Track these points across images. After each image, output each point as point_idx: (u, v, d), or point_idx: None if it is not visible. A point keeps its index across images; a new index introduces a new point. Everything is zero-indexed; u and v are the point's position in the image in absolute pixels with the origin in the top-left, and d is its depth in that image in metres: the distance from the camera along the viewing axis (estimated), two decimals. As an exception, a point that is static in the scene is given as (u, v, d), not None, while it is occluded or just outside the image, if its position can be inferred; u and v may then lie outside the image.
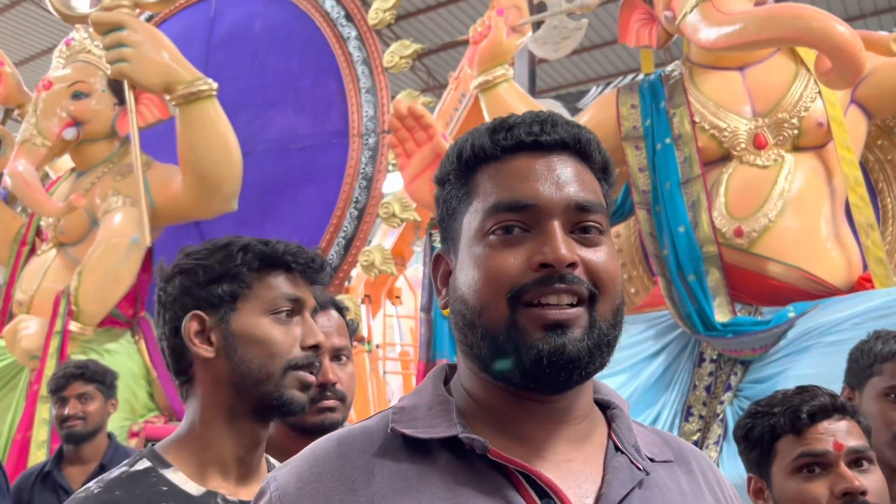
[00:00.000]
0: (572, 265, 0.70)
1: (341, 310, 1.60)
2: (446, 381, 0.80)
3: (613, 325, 0.73)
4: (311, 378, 1.15)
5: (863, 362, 1.58)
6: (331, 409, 1.49)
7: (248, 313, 1.12)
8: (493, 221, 0.73)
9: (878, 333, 1.59)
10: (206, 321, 1.11)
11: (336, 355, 1.55)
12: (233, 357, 1.11)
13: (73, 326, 2.89)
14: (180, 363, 1.13)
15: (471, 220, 0.75)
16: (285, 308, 1.14)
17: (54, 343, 2.83)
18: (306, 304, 1.18)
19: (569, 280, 0.70)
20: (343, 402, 1.52)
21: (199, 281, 1.12)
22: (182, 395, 1.14)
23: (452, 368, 0.81)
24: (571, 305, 0.70)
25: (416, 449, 0.71)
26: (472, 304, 0.72)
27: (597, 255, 0.73)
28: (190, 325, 1.11)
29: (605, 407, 0.79)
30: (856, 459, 1.23)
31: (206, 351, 1.10)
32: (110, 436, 2.45)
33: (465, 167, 0.77)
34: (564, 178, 0.74)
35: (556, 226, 0.72)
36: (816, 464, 1.23)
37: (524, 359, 0.69)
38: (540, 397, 0.73)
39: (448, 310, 0.78)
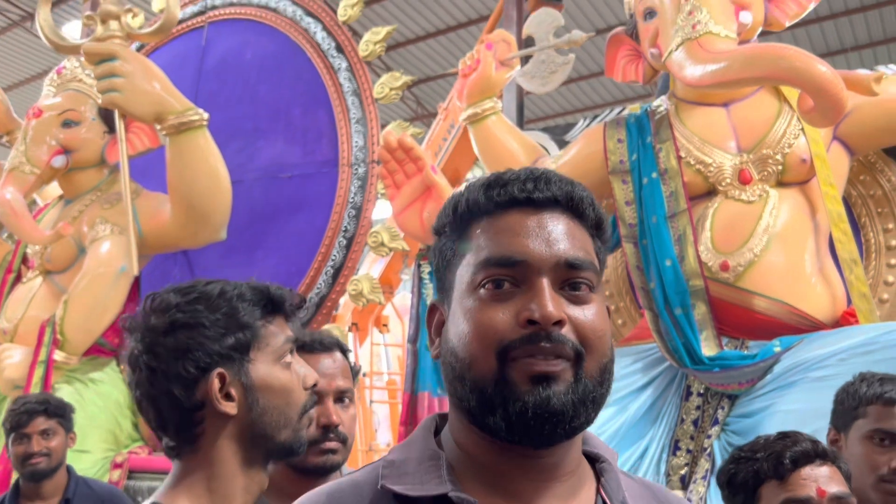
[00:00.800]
0: (559, 323, 0.71)
1: (345, 352, 1.62)
2: (438, 431, 0.80)
3: (600, 383, 0.73)
4: (314, 415, 1.18)
5: (848, 404, 1.59)
6: (333, 451, 1.50)
7: (262, 363, 1.11)
8: (483, 275, 0.74)
9: (864, 376, 1.61)
10: (227, 377, 1.08)
11: (339, 397, 1.57)
12: (255, 409, 1.09)
13: (58, 356, 2.86)
14: (185, 422, 1.08)
15: (463, 273, 0.76)
16: (289, 352, 1.15)
17: (38, 372, 2.80)
18: (295, 341, 1.18)
19: (554, 339, 0.71)
20: (344, 445, 1.53)
21: (208, 335, 1.07)
22: (174, 452, 1.09)
23: (444, 418, 0.81)
24: (556, 359, 0.71)
25: None
26: (462, 357, 0.73)
27: (585, 314, 0.73)
28: (213, 384, 1.07)
29: (593, 459, 0.79)
30: None
31: (230, 408, 1.08)
32: (69, 469, 2.43)
33: (460, 220, 0.79)
34: (555, 236, 0.75)
35: (545, 283, 0.72)
36: None
37: (510, 411, 0.70)
38: (529, 452, 0.73)
39: (434, 353, 0.80)
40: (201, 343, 1.07)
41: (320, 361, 1.56)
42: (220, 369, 1.06)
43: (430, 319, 0.82)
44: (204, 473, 1.07)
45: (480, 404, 0.71)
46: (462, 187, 0.82)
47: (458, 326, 0.74)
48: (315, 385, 1.17)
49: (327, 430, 1.51)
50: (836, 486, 1.26)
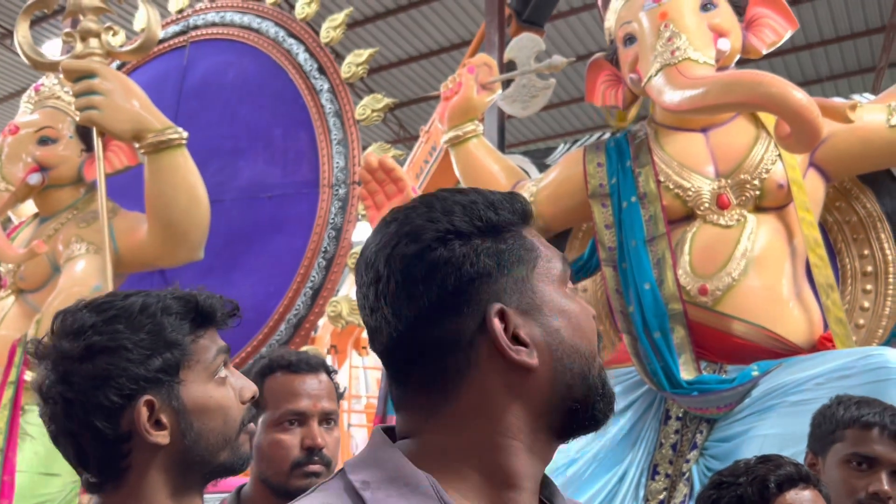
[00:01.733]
0: None
1: (331, 373, 1.59)
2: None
3: None
4: (253, 427, 1.10)
5: (825, 428, 1.60)
6: (316, 475, 1.47)
7: (194, 383, 1.00)
8: (564, 270, 0.81)
9: (840, 399, 1.61)
10: (156, 404, 0.96)
11: (325, 419, 1.54)
12: (189, 435, 0.98)
13: (29, 376, 2.80)
14: (109, 456, 0.97)
15: (544, 268, 0.80)
16: (222, 364, 1.04)
17: (8, 393, 2.74)
18: (228, 351, 1.07)
19: None
20: (328, 468, 1.49)
21: (132, 358, 0.95)
22: (94, 487, 0.98)
23: (394, 431, 0.78)
24: None
25: None
26: (586, 353, 0.79)
27: None
28: (141, 413, 0.95)
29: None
30: None
31: (162, 437, 0.97)
32: None
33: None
34: None
35: None
36: None
37: (608, 394, 0.81)
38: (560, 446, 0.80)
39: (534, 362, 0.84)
40: (124, 368, 0.95)
41: (306, 382, 1.53)
42: (147, 396, 0.96)
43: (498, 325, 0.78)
44: None
45: (593, 395, 0.77)
46: None
47: (572, 320, 0.77)
48: (254, 397, 1.08)
49: (311, 452, 1.48)
50: None
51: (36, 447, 2.73)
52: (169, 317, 0.99)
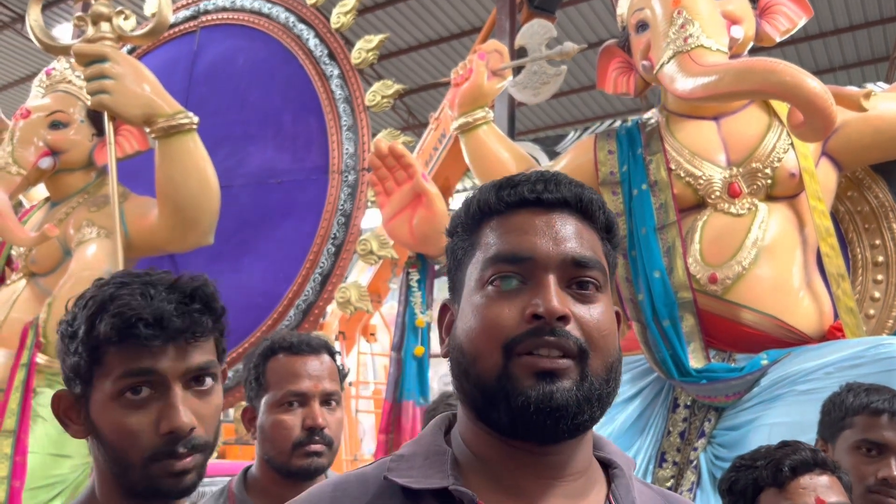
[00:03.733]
0: (563, 318, 0.72)
1: (333, 354, 1.61)
2: (449, 430, 0.81)
3: (606, 381, 0.73)
4: (179, 466, 0.97)
5: (835, 415, 1.60)
6: (318, 454, 1.49)
7: (99, 394, 0.97)
8: (491, 272, 0.75)
9: (850, 386, 1.61)
10: (67, 399, 1.00)
11: (326, 400, 1.55)
12: (98, 439, 0.99)
13: (41, 359, 2.82)
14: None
15: (472, 271, 0.77)
16: (137, 387, 0.97)
17: (20, 375, 2.75)
18: (169, 375, 0.98)
19: (558, 334, 0.71)
20: (330, 448, 1.51)
21: (64, 349, 0.99)
22: None
23: (455, 418, 0.82)
24: (561, 357, 0.71)
25: (409, 498, 0.72)
26: (468, 352, 0.74)
27: (591, 313, 0.74)
28: (58, 400, 1.00)
29: (606, 465, 0.79)
30: None
31: (75, 431, 1.00)
32: None
33: (471, 220, 0.80)
34: (563, 235, 0.76)
35: (551, 279, 0.73)
36: None
37: (513, 405, 0.70)
38: (534, 448, 0.73)
39: (444, 352, 0.81)
40: (60, 352, 1.02)
41: (307, 363, 1.55)
42: (62, 390, 1.03)
43: (441, 319, 0.83)
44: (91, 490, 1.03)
45: (485, 399, 0.72)
46: (475, 190, 0.85)
47: (466, 322, 0.75)
48: (172, 433, 0.97)
49: (312, 432, 1.50)
50: (834, 496, 1.26)
51: (47, 429, 2.76)
52: (102, 320, 0.95)
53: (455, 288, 0.81)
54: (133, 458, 0.95)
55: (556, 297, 0.72)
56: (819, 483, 1.27)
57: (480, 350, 0.72)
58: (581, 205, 0.78)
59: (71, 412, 1.00)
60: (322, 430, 1.50)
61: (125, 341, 0.95)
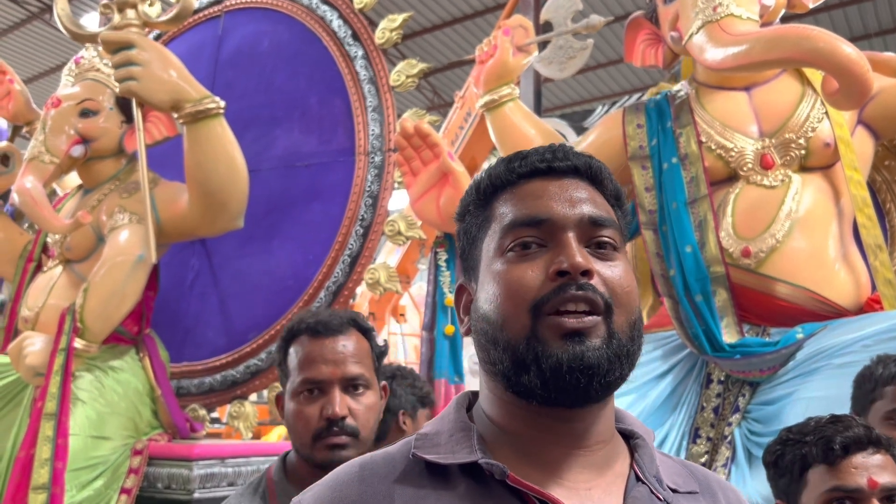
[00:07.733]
0: (587, 273, 0.72)
1: (365, 330, 1.46)
2: (470, 408, 0.81)
3: (632, 339, 0.74)
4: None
5: (866, 387, 1.57)
6: (340, 447, 1.36)
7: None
8: (510, 238, 0.76)
9: (881, 358, 1.58)
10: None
11: (351, 384, 1.41)
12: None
13: (79, 343, 2.87)
14: None
15: (489, 243, 0.78)
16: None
17: (59, 360, 2.81)
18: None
19: (585, 287, 0.71)
20: (356, 438, 1.37)
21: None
22: None
23: (475, 395, 0.82)
24: (588, 314, 0.71)
25: (436, 475, 0.72)
26: (494, 319, 0.74)
27: (612, 270, 0.75)
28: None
29: (628, 437, 0.79)
30: (889, 496, 1.19)
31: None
32: None
33: (483, 197, 0.81)
34: (577, 197, 0.77)
35: (571, 236, 0.74)
36: (848, 498, 1.19)
37: (544, 367, 0.70)
38: (562, 415, 0.73)
39: (464, 331, 0.81)
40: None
41: (325, 347, 1.42)
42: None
43: (458, 300, 0.84)
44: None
45: (514, 364, 0.72)
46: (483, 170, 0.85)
47: (488, 292, 0.75)
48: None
49: (332, 422, 1.37)
50: (888, 477, 1.19)
51: (87, 411, 2.82)
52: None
53: (471, 266, 0.81)
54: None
55: (578, 253, 0.73)
56: (872, 462, 1.20)
57: (508, 314, 0.72)
58: (591, 172, 0.79)
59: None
60: (343, 419, 1.37)
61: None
